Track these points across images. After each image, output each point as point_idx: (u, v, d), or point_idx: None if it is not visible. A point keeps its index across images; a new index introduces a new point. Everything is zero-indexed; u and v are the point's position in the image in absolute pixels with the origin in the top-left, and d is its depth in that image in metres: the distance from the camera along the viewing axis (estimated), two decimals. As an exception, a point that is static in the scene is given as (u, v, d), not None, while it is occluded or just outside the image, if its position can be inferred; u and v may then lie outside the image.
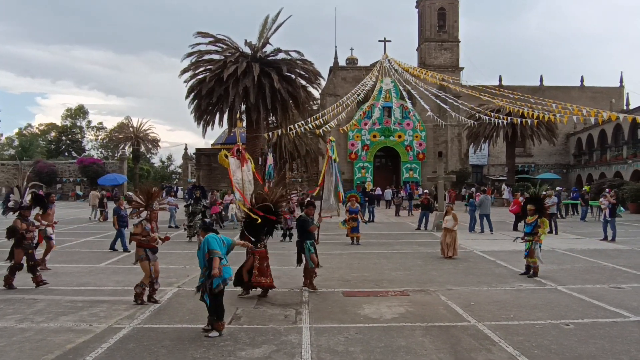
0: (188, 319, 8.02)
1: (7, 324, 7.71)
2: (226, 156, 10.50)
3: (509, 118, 25.75)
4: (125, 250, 15.06)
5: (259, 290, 9.54)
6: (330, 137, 12.15)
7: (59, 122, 77.81)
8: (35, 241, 11.04)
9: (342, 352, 6.52)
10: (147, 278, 8.88)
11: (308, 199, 14.18)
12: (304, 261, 10.19)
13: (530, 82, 55.13)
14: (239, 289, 9.58)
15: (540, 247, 11.45)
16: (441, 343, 6.86)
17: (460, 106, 30.22)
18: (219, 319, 7.21)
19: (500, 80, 50.84)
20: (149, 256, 8.90)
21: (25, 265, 10.30)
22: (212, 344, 6.80)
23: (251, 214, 9.43)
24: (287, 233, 17.89)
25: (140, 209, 9.45)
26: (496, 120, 26.25)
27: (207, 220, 7.98)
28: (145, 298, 8.89)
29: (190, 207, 17.90)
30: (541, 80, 52.57)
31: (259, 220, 9.30)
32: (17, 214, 10.70)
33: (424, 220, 21.64)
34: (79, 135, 78.55)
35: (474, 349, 6.65)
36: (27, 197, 11.17)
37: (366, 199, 25.80)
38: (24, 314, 8.27)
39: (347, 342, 6.91)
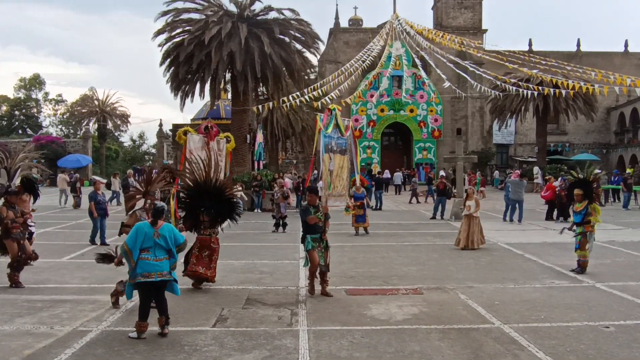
0: (165, 320, 8.04)
1: (-46, 326, 7.73)
2: (185, 133, 10.56)
3: (540, 89, 25.68)
4: (103, 243, 15.06)
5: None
6: (331, 105, 12.00)
7: (10, 94, 77.44)
8: (33, 230, 11.11)
9: (345, 358, 6.55)
10: None
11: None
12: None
13: (565, 46, 55.02)
14: (224, 286, 9.68)
15: (594, 238, 11.51)
16: (461, 348, 6.90)
17: (483, 75, 30.11)
18: (141, 318, 7.35)
19: (530, 44, 50.65)
20: None
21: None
22: (194, 349, 6.83)
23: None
24: (280, 222, 17.91)
25: (138, 196, 9.35)
26: (525, 91, 26.19)
27: (156, 204, 7.98)
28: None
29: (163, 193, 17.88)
30: (578, 44, 52.42)
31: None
32: (1, 200, 10.68)
33: (440, 208, 21.70)
34: (35, 110, 78.21)
35: (498, 354, 6.69)
36: (17, 181, 11.08)
37: (372, 183, 25.83)
38: (-27, 315, 8.29)
39: (351, 346, 6.95)
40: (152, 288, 7.38)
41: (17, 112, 75.84)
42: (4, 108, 76.13)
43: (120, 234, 9.14)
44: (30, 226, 11.54)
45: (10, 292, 9.71)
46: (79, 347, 6.89)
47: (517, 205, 20.53)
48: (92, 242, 15.26)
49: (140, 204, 9.27)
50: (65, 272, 11.58)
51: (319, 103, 27.02)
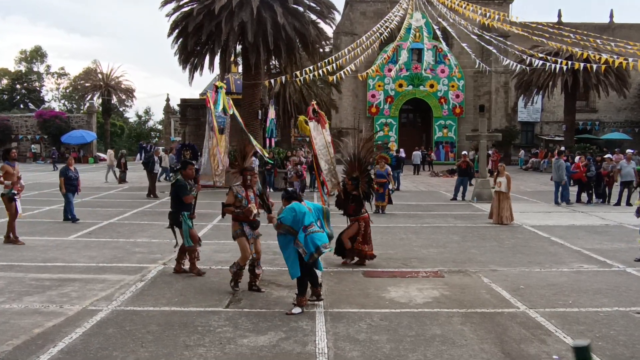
0: (177, 301, 8.19)
1: (-38, 304, 7.91)
2: (306, 122, 10.78)
3: (569, 63, 25.36)
4: (73, 219, 15.37)
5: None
6: (217, 83, 11.94)
7: (11, 67, 77.92)
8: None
9: (364, 340, 6.64)
10: (244, 259, 8.71)
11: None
12: (181, 239, 9.82)
13: (597, 18, 54.12)
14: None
15: None
16: (484, 332, 6.96)
17: (509, 49, 29.80)
18: (301, 294, 7.79)
19: (559, 16, 49.90)
20: (245, 232, 8.77)
21: None
22: (208, 329, 6.95)
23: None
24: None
25: (234, 172, 9.44)
26: (553, 65, 25.90)
27: (289, 189, 8.49)
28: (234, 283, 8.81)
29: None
30: (611, 16, 51.57)
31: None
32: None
33: (461, 189, 21.66)
34: (37, 84, 78.70)
35: (524, 339, 6.74)
36: None
37: (395, 161, 25.82)
38: (-19, 293, 8.48)
39: (370, 329, 7.03)
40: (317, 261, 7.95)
41: (18, 86, 76.38)
42: (5, 81, 76.65)
43: (223, 215, 9.07)
44: (15, 197, 12.39)
45: (18, 270, 9.90)
46: (90, 327, 7.03)
47: (560, 186, 20.49)
48: (66, 217, 15.52)
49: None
50: (72, 250, 11.76)
51: (334, 77, 26.98)
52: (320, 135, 11.15)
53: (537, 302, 8.22)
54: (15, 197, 12.42)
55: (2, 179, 12.33)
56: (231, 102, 11.80)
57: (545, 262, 10.98)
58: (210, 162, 11.18)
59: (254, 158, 11.75)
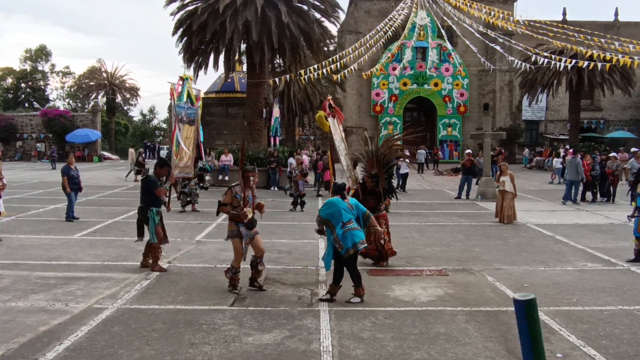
0: (182, 299, 8.22)
1: (-32, 302, 7.96)
2: (326, 118, 10.81)
3: (573, 61, 25.30)
4: (72, 218, 15.36)
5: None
6: (183, 75, 11.99)
7: (16, 66, 78.10)
8: None
9: (368, 339, 6.66)
10: (238, 261, 8.65)
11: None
12: (147, 235, 10.13)
13: (602, 16, 53.90)
14: (242, 265, 9.75)
15: None
16: (488, 330, 6.97)
17: (513, 46, 29.73)
18: (357, 285, 8.15)
19: (564, 14, 49.76)
20: (241, 232, 8.63)
21: None
22: (213, 328, 6.98)
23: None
24: (299, 201, 18.02)
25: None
26: (558, 64, 25.83)
27: (340, 182, 8.73)
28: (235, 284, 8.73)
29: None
30: (616, 14, 51.41)
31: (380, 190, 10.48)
32: None
33: (465, 188, 21.64)
34: (42, 82, 78.87)
35: (528, 337, 6.74)
36: None
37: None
38: (-13, 291, 8.53)
39: (374, 327, 7.05)
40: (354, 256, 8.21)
41: (23, 85, 76.54)
42: (10, 80, 76.82)
43: (217, 213, 9.09)
44: None
45: (23, 269, 9.95)
46: (95, 325, 7.07)
47: (573, 185, 20.49)
48: (68, 218, 15.40)
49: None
50: (77, 249, 11.81)
51: (339, 76, 26.98)
52: (337, 132, 11.16)
53: (541, 301, 8.20)
54: None
55: None
56: (200, 95, 11.87)
57: (549, 260, 10.98)
58: (175, 153, 11.28)
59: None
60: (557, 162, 30.30)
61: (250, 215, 8.63)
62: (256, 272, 8.75)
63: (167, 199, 11.03)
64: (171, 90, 11.33)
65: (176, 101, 11.19)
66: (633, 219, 10.90)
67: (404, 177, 24.07)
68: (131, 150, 33.39)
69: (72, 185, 15.51)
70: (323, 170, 22.46)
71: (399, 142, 11.78)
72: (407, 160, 17.38)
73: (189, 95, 11.45)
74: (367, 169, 11.06)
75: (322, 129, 11.51)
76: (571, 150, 26.05)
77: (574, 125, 41.97)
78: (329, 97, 11.67)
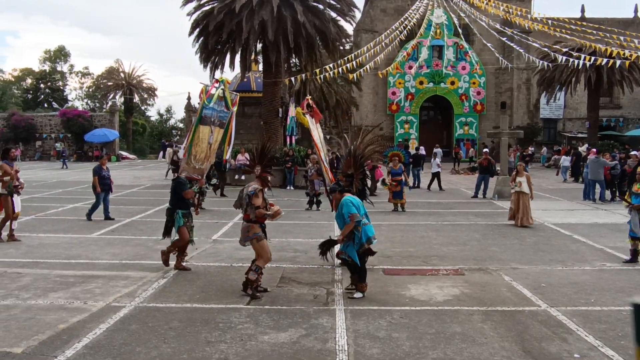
0: (199, 297, 8.28)
1: (-10, 300, 8.09)
2: (304, 113, 10.81)
3: (592, 59, 25.08)
4: (108, 218, 15.50)
5: None
6: (220, 77, 11.94)
7: (35, 67, 79.04)
8: None
9: (384, 338, 6.67)
10: (267, 261, 8.56)
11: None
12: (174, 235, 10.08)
13: (621, 13, 53.26)
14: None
15: None
16: (505, 330, 6.95)
17: (531, 44, 29.54)
18: (362, 280, 8.36)
19: (582, 11, 49.28)
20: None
21: None
22: (229, 326, 7.03)
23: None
24: (314, 200, 18.05)
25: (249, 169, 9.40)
26: (576, 61, 25.61)
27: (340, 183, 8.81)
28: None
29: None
30: (636, 10, 50.77)
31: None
32: None
33: (482, 186, 21.53)
34: (60, 83, 79.71)
35: (545, 337, 6.71)
36: None
37: (410, 159, 25.74)
38: (7, 289, 8.65)
39: (390, 327, 7.06)
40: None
41: (42, 85, 77.43)
42: (29, 81, 77.78)
43: (255, 217, 8.59)
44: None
45: (43, 267, 10.08)
46: (113, 323, 7.15)
47: (596, 184, 20.35)
48: (89, 217, 15.47)
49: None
50: (95, 248, 11.94)
51: (355, 75, 26.97)
52: (315, 130, 11.09)
53: (559, 301, 8.17)
54: (15, 193, 12.44)
55: (1, 177, 12.31)
56: (237, 99, 11.85)
57: (567, 260, 10.90)
58: (209, 155, 11.22)
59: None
60: (564, 160, 30.07)
61: (283, 212, 8.80)
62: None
63: (196, 202, 11.06)
64: (201, 91, 11.33)
65: (205, 103, 11.20)
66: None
67: (436, 175, 24.33)
68: (169, 150, 34.12)
69: (103, 185, 15.55)
70: (373, 169, 22.61)
71: (376, 143, 11.52)
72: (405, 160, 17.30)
73: (224, 99, 11.42)
74: (343, 169, 10.92)
75: (302, 123, 11.40)
76: (594, 150, 25.77)
77: (593, 124, 41.53)
78: (308, 97, 11.57)
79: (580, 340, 6.65)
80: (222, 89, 11.32)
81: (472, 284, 9.07)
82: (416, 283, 9.15)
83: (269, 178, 8.93)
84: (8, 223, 12.38)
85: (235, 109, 11.70)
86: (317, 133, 11.09)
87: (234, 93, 12.19)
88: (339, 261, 9.04)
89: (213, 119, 11.34)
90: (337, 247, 9.26)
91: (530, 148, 36.30)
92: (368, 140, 11.20)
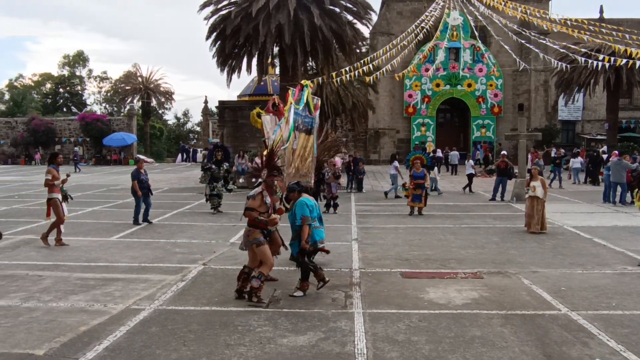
0: (217, 300, 8.32)
1: (12, 302, 8.20)
2: (259, 115, 10.69)
3: (611, 59, 24.82)
4: (146, 221, 15.63)
5: None
6: (304, 81, 11.86)
7: (55, 72, 79.92)
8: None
9: (403, 341, 6.65)
10: (270, 267, 8.42)
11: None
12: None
13: (640, 13, 52.71)
14: (275, 267, 9.85)
15: None
16: (525, 334, 6.89)
17: (549, 44, 29.29)
18: (304, 279, 8.57)
19: (601, 11, 48.80)
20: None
21: None
22: (248, 329, 7.05)
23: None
24: (332, 203, 18.05)
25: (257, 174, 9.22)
26: (595, 63, 25.34)
27: (300, 182, 8.84)
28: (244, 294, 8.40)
29: (211, 172, 18.21)
30: (655, 11, 50.20)
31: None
32: None
33: (500, 189, 21.40)
34: (79, 87, 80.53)
35: (566, 342, 6.65)
36: None
37: (433, 161, 25.70)
38: (29, 291, 8.76)
39: (408, 330, 7.03)
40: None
41: (61, 90, 78.30)
42: (49, 86, 78.70)
43: (242, 217, 8.69)
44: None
45: (63, 270, 10.19)
46: (133, 325, 7.21)
47: (618, 186, 20.15)
48: (136, 222, 15.58)
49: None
50: (115, 251, 12.04)
51: (371, 78, 26.93)
52: (275, 128, 10.82)
53: (579, 304, 8.09)
54: (68, 197, 12.84)
55: (51, 182, 12.54)
56: (319, 104, 11.84)
57: (587, 263, 10.79)
58: (296, 162, 11.16)
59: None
60: (574, 162, 29.77)
61: (279, 222, 8.63)
62: (246, 284, 8.37)
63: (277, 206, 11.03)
64: (288, 94, 11.38)
65: (295, 106, 11.24)
66: None
67: (471, 177, 24.48)
68: (204, 152, 34.68)
69: (141, 189, 15.67)
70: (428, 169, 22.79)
71: (334, 149, 11.39)
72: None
73: (307, 103, 11.42)
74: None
75: (256, 126, 11.09)
76: (616, 152, 25.48)
77: (612, 125, 41.06)
78: (275, 97, 11.36)
79: (602, 344, 6.58)
80: (306, 92, 11.30)
81: (491, 288, 9.01)
82: (434, 286, 9.11)
83: (276, 182, 8.87)
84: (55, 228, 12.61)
85: (317, 113, 11.71)
86: (274, 131, 10.75)
87: (316, 98, 12.19)
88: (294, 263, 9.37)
89: (297, 124, 11.36)
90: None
91: (561, 150, 35.87)
92: (327, 144, 11.11)
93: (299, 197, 8.76)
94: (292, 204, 8.84)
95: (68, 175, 13.30)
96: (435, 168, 26.15)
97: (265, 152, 9.22)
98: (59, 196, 12.60)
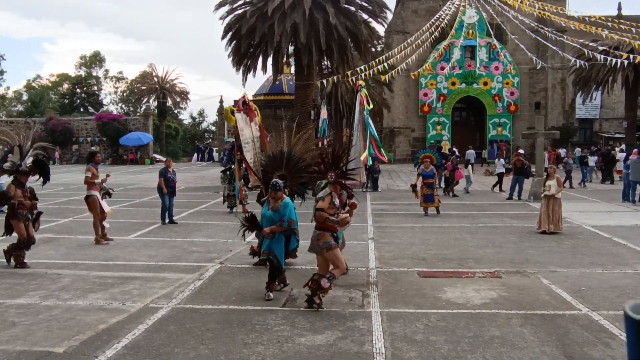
0: (235, 299, 8.33)
1: (32, 300, 8.27)
2: (232, 112, 10.75)
3: (630, 57, 24.55)
4: (171, 221, 15.62)
5: None
6: (360, 82, 11.91)
7: (72, 72, 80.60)
8: (36, 212, 11.14)
9: (421, 341, 6.61)
10: (343, 270, 8.19)
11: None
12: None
13: (659, 10, 52.07)
14: (292, 266, 9.87)
15: None
16: (545, 335, 6.82)
17: (566, 42, 29.04)
18: (273, 280, 8.57)
19: (619, 8, 48.25)
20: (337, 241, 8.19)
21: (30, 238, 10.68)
22: (266, 328, 7.05)
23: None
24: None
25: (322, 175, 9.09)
26: (613, 60, 25.09)
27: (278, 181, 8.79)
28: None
29: (230, 172, 18.24)
30: (674, 7, 49.56)
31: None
32: (12, 177, 10.96)
33: (517, 188, 21.23)
34: (96, 87, 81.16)
35: (587, 342, 6.58)
36: (28, 160, 11.31)
37: (443, 161, 25.53)
38: (48, 290, 8.83)
39: (427, 330, 6.99)
40: None
41: (78, 90, 78.98)
42: (66, 86, 79.43)
43: (313, 219, 8.57)
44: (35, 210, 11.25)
45: (82, 268, 10.26)
46: (151, 324, 7.24)
47: (637, 185, 19.98)
48: (163, 221, 15.60)
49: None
50: (132, 249, 12.11)
51: (386, 77, 26.87)
52: (248, 128, 10.86)
53: (600, 304, 7.99)
54: (108, 194, 13.22)
55: (90, 180, 12.71)
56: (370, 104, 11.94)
57: (607, 263, 10.67)
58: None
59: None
60: (590, 160, 29.44)
61: (351, 222, 8.84)
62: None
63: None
64: (361, 99, 11.58)
65: (367, 109, 11.51)
66: None
67: (501, 176, 24.27)
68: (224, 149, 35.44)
69: (167, 188, 15.57)
70: (453, 170, 22.70)
71: (312, 150, 11.17)
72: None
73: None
74: (269, 168, 10.51)
75: (230, 123, 11.12)
76: (636, 150, 25.18)
77: (631, 124, 40.60)
78: (245, 94, 11.35)
79: (623, 345, 6.47)
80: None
81: (510, 287, 8.94)
82: (452, 286, 9.06)
83: (345, 182, 8.84)
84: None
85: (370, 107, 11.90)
86: (248, 131, 10.81)
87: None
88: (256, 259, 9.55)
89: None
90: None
91: (592, 147, 35.50)
92: (304, 147, 10.90)
93: (284, 198, 8.58)
94: (275, 202, 8.46)
95: (108, 175, 13.71)
96: (469, 166, 25.96)
97: (327, 153, 9.15)
98: (98, 194, 12.76)
